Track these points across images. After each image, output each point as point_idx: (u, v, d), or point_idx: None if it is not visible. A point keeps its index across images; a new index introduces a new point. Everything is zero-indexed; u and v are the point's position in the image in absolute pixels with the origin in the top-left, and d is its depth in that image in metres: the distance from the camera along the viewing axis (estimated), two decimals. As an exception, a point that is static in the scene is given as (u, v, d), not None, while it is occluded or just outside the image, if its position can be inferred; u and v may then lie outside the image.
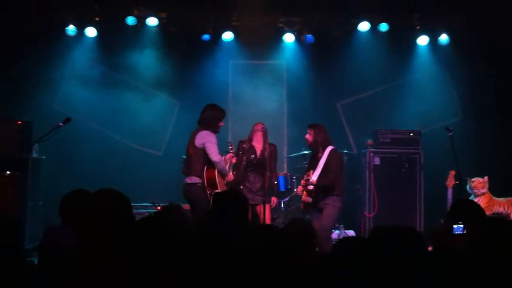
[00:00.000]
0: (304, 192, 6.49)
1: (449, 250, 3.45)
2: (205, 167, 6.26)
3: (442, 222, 4.48)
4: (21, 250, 3.28)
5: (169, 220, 2.81)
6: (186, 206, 6.84)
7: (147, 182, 8.43)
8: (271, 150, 6.90)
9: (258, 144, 6.90)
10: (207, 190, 6.22)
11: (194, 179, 6.29)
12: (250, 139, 6.97)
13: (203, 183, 6.23)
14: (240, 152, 6.91)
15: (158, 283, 2.55)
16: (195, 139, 6.33)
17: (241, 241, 2.73)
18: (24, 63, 8.50)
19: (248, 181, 6.87)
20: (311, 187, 6.40)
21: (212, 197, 6.11)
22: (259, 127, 6.89)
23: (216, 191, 6.18)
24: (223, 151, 6.75)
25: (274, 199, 6.94)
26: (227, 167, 6.54)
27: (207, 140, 6.27)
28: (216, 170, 6.27)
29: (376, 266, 2.76)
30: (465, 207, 4.24)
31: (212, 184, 6.24)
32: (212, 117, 6.42)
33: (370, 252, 2.73)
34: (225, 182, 6.44)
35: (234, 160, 6.78)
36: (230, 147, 6.83)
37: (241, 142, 7.06)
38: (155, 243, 2.57)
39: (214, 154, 6.23)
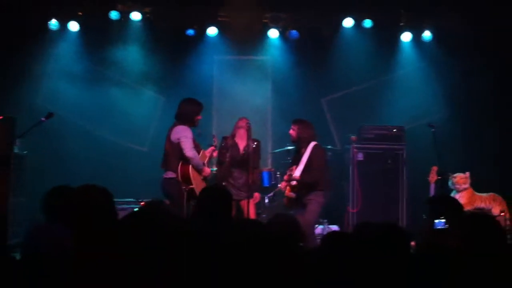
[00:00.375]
0: (288, 188, 6.52)
1: (433, 246, 3.49)
2: (180, 163, 6.22)
3: (424, 217, 4.54)
4: (4, 246, 3.25)
5: (152, 217, 2.80)
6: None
7: (131, 177, 8.39)
8: (255, 146, 6.88)
9: (241, 141, 6.88)
10: (182, 186, 6.19)
11: (171, 174, 6.27)
12: (233, 136, 6.95)
13: (177, 178, 6.20)
14: (224, 150, 6.90)
15: (142, 280, 2.55)
16: (171, 134, 6.30)
17: (226, 236, 2.74)
18: (6, 57, 8.42)
19: (232, 177, 6.86)
20: (294, 182, 6.42)
21: (187, 193, 6.15)
22: (243, 123, 6.85)
23: (191, 186, 6.17)
24: (206, 145, 6.74)
25: (257, 195, 6.95)
26: (206, 161, 6.51)
27: (182, 135, 6.22)
28: (190, 166, 6.23)
29: (361, 261, 2.78)
30: (442, 203, 4.29)
31: (187, 179, 6.21)
32: (188, 112, 6.36)
33: (355, 247, 2.75)
34: (202, 177, 6.40)
35: (215, 154, 6.74)
36: (213, 140, 6.80)
37: (224, 138, 7.04)
38: (139, 239, 2.57)
39: (188, 149, 6.18)
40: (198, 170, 6.33)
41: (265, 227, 3.24)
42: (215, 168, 7.35)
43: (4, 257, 3.08)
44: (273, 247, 2.77)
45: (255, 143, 6.90)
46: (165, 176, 6.33)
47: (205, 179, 6.47)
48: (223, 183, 6.74)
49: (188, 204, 6.24)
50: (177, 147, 6.23)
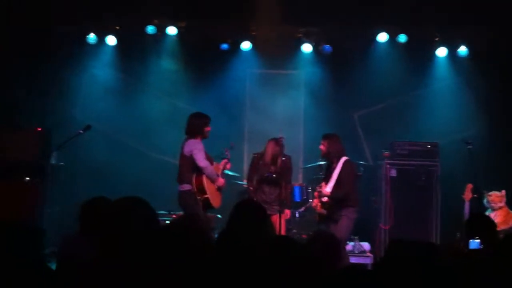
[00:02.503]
0: (319, 204, 6.49)
1: (467, 264, 3.42)
2: (194, 174, 6.42)
3: (459, 236, 4.45)
4: (42, 256, 3.31)
5: (187, 230, 2.81)
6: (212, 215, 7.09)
7: (164, 189, 8.41)
8: (286, 162, 6.91)
9: (272, 162, 6.92)
10: (197, 196, 6.36)
11: (184, 187, 6.46)
12: (264, 155, 6.99)
13: (193, 189, 6.39)
14: (254, 167, 7.01)
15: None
16: (184, 148, 6.51)
17: (262, 252, 2.71)
18: (45, 71, 8.61)
19: (264, 193, 6.91)
20: (325, 199, 6.39)
21: (202, 203, 6.36)
22: (276, 149, 6.88)
23: (206, 196, 6.40)
24: (217, 157, 6.84)
25: (287, 212, 6.94)
26: (220, 173, 6.69)
27: (193, 147, 6.43)
28: (204, 176, 6.42)
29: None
30: (479, 222, 4.21)
31: (201, 189, 6.41)
32: (197, 124, 6.55)
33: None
34: (216, 188, 6.56)
35: (228, 166, 6.92)
36: (226, 153, 6.94)
37: (255, 155, 7.10)
38: (175, 252, 2.57)
39: (200, 160, 6.37)
40: (212, 180, 6.49)
41: (304, 245, 3.22)
42: (246, 182, 7.39)
43: (39, 266, 3.13)
44: (309, 266, 2.73)
45: (286, 159, 6.92)
46: (180, 189, 6.51)
47: (219, 189, 6.63)
48: (255, 198, 6.76)
49: (203, 214, 6.41)
50: (190, 160, 6.43)
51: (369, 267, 7.05)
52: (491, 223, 4.34)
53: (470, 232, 4.07)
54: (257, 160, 7.03)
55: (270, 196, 6.88)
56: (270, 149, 6.94)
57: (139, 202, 2.86)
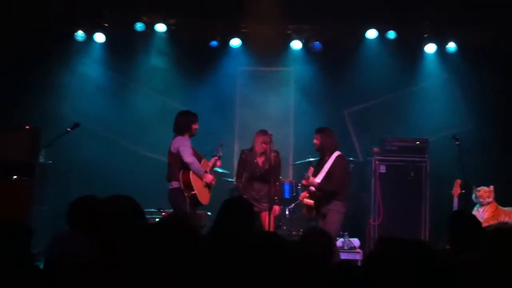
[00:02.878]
0: (306, 194, 6.47)
1: (457, 262, 3.43)
2: (181, 171, 6.41)
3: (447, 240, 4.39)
4: (29, 255, 3.30)
5: (176, 228, 2.79)
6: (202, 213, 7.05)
7: (154, 187, 8.42)
8: (275, 158, 6.90)
9: (261, 156, 6.91)
10: (184, 193, 6.34)
11: (173, 184, 6.45)
12: (252, 150, 6.97)
13: (180, 186, 6.37)
14: (243, 164, 6.96)
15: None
16: (171, 146, 6.51)
17: (250, 250, 2.70)
18: (33, 69, 8.56)
19: (253, 190, 6.89)
20: (313, 189, 6.38)
21: (190, 199, 6.33)
22: (266, 139, 6.85)
23: (193, 192, 6.36)
24: (209, 155, 6.83)
25: (276, 208, 6.92)
26: (209, 169, 6.66)
27: (180, 143, 6.43)
28: (190, 172, 6.41)
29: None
30: (463, 220, 4.20)
31: (188, 186, 6.39)
32: (184, 122, 6.56)
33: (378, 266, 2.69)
34: (204, 184, 6.54)
35: (219, 164, 6.88)
36: (217, 150, 6.90)
37: (243, 151, 7.08)
38: (163, 250, 2.56)
39: (186, 155, 6.36)
40: (199, 176, 6.47)
41: (297, 242, 3.20)
42: (235, 179, 7.39)
43: (28, 266, 3.12)
44: (301, 262, 2.73)
45: (275, 155, 6.91)
46: (170, 186, 6.49)
47: (207, 186, 6.61)
48: (244, 196, 6.75)
49: (192, 211, 6.41)
50: (178, 157, 6.41)
51: (359, 263, 7.07)
52: (475, 221, 4.32)
53: (454, 230, 4.07)
54: (245, 156, 7.01)
55: (260, 192, 6.87)
56: (260, 139, 6.92)
57: (126, 200, 2.86)
